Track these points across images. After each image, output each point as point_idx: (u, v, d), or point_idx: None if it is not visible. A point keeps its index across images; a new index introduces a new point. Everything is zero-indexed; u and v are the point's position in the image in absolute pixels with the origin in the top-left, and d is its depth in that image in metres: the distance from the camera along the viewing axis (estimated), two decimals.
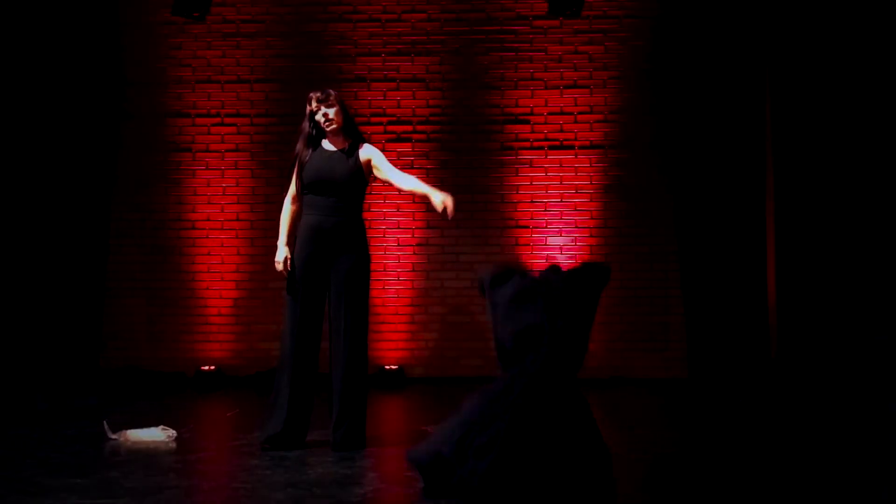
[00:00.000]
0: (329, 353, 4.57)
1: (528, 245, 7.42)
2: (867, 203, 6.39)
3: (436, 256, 7.45)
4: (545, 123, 7.50)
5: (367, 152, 4.63)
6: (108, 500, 3.51)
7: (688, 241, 7.16)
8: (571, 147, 7.48)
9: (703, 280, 7.08)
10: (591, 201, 7.44)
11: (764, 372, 6.78)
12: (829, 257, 6.48)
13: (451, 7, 7.54)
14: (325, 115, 4.56)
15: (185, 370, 7.28)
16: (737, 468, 4.14)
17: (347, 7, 7.57)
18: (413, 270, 7.42)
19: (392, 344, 7.37)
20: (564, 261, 7.17)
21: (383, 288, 7.33)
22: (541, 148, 7.49)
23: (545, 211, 7.44)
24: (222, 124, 7.56)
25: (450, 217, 4.39)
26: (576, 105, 7.49)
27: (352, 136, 4.65)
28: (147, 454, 4.42)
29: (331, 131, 4.61)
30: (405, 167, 7.41)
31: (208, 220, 7.51)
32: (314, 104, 4.58)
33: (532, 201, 7.45)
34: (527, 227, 7.45)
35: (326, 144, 4.63)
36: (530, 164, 7.47)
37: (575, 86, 7.50)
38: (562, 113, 7.49)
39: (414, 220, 7.46)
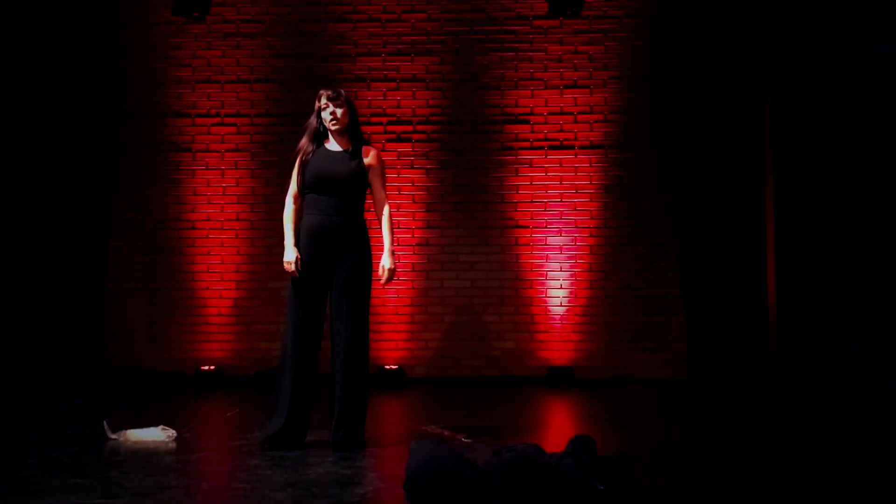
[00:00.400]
0: (330, 354, 4.58)
1: (528, 245, 7.42)
2: (867, 203, 6.38)
3: (436, 256, 7.46)
4: (545, 123, 7.50)
5: (371, 158, 4.63)
6: (108, 500, 3.52)
7: (688, 242, 7.15)
8: (571, 147, 7.48)
9: (703, 280, 7.07)
10: (591, 201, 7.44)
11: (764, 372, 6.78)
12: (829, 257, 6.46)
13: (451, 7, 7.54)
14: (332, 113, 4.57)
15: (185, 370, 7.28)
16: (736, 468, 4.14)
17: (347, 7, 7.58)
18: (413, 270, 7.42)
19: (392, 344, 7.37)
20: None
21: (383, 288, 7.30)
22: (541, 148, 7.49)
23: (545, 211, 7.44)
24: (222, 124, 7.56)
25: (381, 286, 4.90)
26: (576, 105, 7.49)
27: (355, 137, 4.66)
28: (147, 454, 4.42)
29: (335, 130, 4.62)
30: (405, 167, 7.46)
31: (208, 220, 7.51)
32: (324, 101, 4.59)
33: (532, 201, 7.45)
34: (527, 227, 7.44)
35: (330, 144, 4.64)
36: (530, 164, 7.48)
37: (575, 86, 7.50)
38: (562, 113, 7.49)
39: (414, 220, 7.46)
